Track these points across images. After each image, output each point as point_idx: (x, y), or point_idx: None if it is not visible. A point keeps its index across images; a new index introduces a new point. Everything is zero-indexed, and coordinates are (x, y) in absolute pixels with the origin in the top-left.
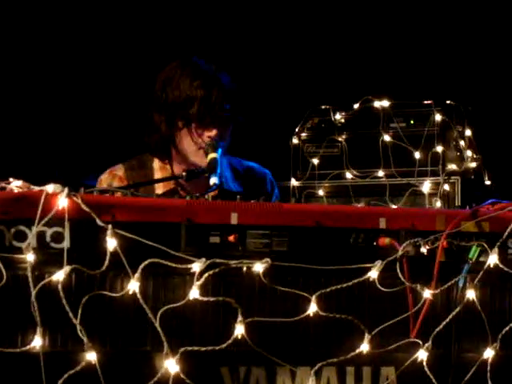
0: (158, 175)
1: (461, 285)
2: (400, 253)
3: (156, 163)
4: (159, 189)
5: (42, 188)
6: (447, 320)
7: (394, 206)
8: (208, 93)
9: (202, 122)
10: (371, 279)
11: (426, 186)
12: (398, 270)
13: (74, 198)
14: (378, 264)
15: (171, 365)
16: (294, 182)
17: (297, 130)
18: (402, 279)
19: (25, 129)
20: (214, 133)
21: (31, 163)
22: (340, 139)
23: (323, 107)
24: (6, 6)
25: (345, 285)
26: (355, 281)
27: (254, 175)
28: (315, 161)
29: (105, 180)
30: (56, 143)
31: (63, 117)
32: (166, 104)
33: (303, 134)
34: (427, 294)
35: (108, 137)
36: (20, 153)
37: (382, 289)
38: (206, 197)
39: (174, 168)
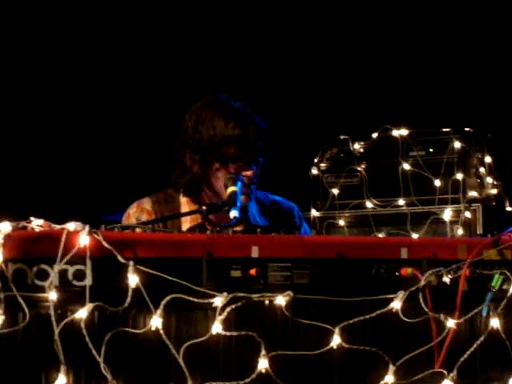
0: (184, 209)
1: (484, 314)
2: (422, 283)
3: (182, 198)
4: (186, 223)
5: (63, 226)
6: (472, 349)
7: (415, 235)
8: (244, 132)
9: (240, 162)
10: (394, 310)
11: (447, 214)
12: (421, 300)
13: (95, 236)
14: (401, 294)
15: None
16: (314, 213)
17: (316, 160)
18: (425, 309)
19: (44, 167)
20: (250, 173)
21: (51, 201)
22: (359, 169)
23: (342, 137)
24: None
25: (368, 316)
26: (378, 312)
27: (281, 209)
28: (335, 191)
29: (133, 214)
30: (75, 179)
31: (80, 154)
32: (199, 144)
33: (322, 165)
34: (451, 323)
35: (125, 172)
36: (40, 191)
37: (406, 319)
38: (228, 231)
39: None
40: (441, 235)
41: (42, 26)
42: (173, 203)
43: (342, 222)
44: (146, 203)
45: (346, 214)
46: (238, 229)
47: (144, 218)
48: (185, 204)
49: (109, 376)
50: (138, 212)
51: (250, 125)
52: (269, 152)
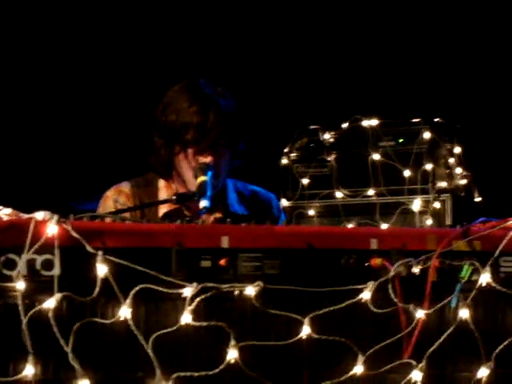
0: (162, 193)
1: (453, 304)
2: (392, 273)
3: (161, 182)
4: (163, 207)
5: (31, 215)
6: (441, 340)
7: (384, 225)
8: (204, 119)
9: (198, 147)
10: (364, 300)
11: (417, 204)
12: (391, 291)
13: (64, 225)
14: (371, 285)
15: None
16: (284, 203)
17: (286, 150)
18: (395, 300)
19: (13, 155)
20: (209, 159)
21: (19, 190)
22: (329, 159)
23: (312, 127)
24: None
25: (337, 306)
26: (348, 302)
27: (260, 199)
28: (305, 181)
29: (111, 196)
30: (44, 167)
31: (50, 139)
32: (164, 128)
33: (292, 154)
34: (420, 314)
35: (97, 158)
36: (8, 180)
37: (375, 310)
38: (198, 220)
39: (179, 187)
40: (410, 225)
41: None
42: (151, 187)
43: (311, 212)
44: (125, 186)
45: (316, 204)
46: (217, 215)
47: (122, 200)
48: (163, 188)
49: (77, 366)
50: (115, 194)
51: (211, 111)
52: (237, 142)
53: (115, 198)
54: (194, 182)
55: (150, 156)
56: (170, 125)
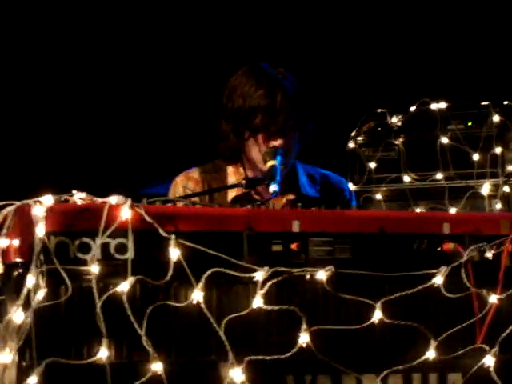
0: (231, 179)
1: None
2: (465, 258)
3: (230, 168)
4: (233, 192)
5: (105, 200)
6: None
7: (453, 209)
8: (272, 102)
9: (268, 131)
10: (436, 285)
11: (486, 188)
12: (464, 276)
13: (137, 209)
14: (443, 270)
15: (237, 374)
16: (351, 187)
17: (353, 134)
18: (468, 285)
19: (86, 140)
20: (279, 142)
21: (94, 175)
22: (397, 142)
23: (379, 111)
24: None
25: (409, 291)
26: (420, 287)
27: (332, 182)
28: (372, 165)
29: (180, 182)
30: (115, 152)
31: (122, 127)
32: (231, 113)
33: (359, 138)
34: (493, 299)
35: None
36: (83, 165)
37: (448, 295)
38: (268, 205)
39: (248, 172)
40: (479, 210)
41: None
42: (220, 172)
43: (379, 196)
44: (194, 172)
45: (383, 188)
46: (289, 197)
47: (191, 185)
48: (231, 174)
49: (150, 349)
50: (185, 180)
51: (278, 94)
52: (305, 122)
53: (184, 184)
54: (261, 164)
55: (218, 142)
56: (238, 110)
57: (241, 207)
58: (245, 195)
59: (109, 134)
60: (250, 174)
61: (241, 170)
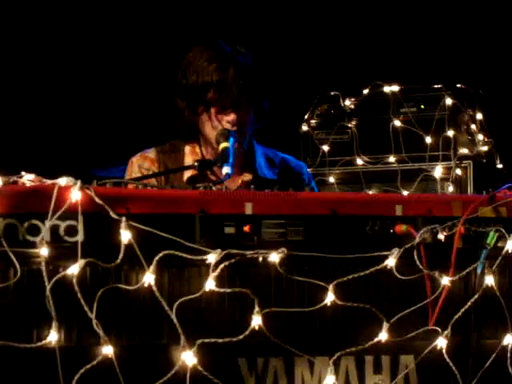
0: (188, 159)
1: (479, 271)
2: (417, 240)
3: (187, 147)
4: (188, 172)
5: (54, 181)
6: (466, 307)
7: (405, 192)
8: (224, 76)
9: (220, 105)
10: (389, 267)
11: (438, 171)
12: (416, 258)
13: (87, 191)
14: (396, 252)
15: (188, 357)
16: None
17: (306, 116)
18: (420, 266)
19: (35, 122)
20: (232, 117)
21: (42, 156)
22: (350, 125)
23: (332, 93)
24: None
25: (362, 273)
26: (372, 269)
27: (291, 166)
28: (325, 147)
29: (136, 161)
30: (66, 134)
31: (72, 107)
32: (185, 89)
33: (313, 121)
34: (445, 281)
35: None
36: (31, 146)
37: (400, 276)
38: (221, 187)
39: (204, 151)
40: (431, 192)
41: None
42: (177, 153)
43: (332, 179)
44: (150, 152)
45: (337, 171)
46: (246, 179)
47: (146, 165)
48: (188, 154)
49: (101, 332)
50: (140, 160)
51: (230, 67)
52: (259, 98)
53: (140, 164)
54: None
55: (174, 120)
56: (191, 85)
57: (193, 189)
58: (200, 175)
59: (63, 114)
60: (206, 153)
61: (197, 149)
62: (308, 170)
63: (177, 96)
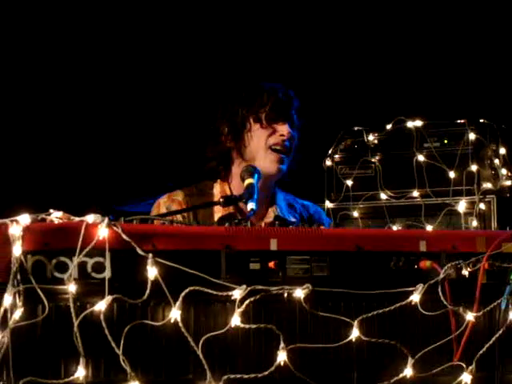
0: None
1: (503, 307)
2: (441, 275)
3: (216, 188)
4: (218, 212)
5: (82, 218)
6: (490, 342)
7: (429, 227)
8: (276, 91)
9: (273, 112)
10: (413, 303)
11: (462, 206)
12: (440, 293)
13: (115, 228)
14: (420, 287)
15: None
16: (328, 204)
17: (330, 151)
18: (445, 302)
19: (62, 159)
20: (286, 129)
21: (70, 194)
22: (373, 160)
23: (356, 128)
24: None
25: (387, 309)
26: (397, 305)
27: (311, 213)
28: (349, 182)
29: (163, 203)
30: (93, 170)
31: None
32: (233, 108)
33: (336, 156)
34: (470, 316)
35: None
36: (59, 184)
37: (425, 312)
38: (246, 223)
39: (233, 190)
40: (455, 227)
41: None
42: (205, 196)
43: (356, 214)
44: (178, 194)
45: (360, 206)
46: (267, 220)
47: (174, 208)
48: (218, 195)
49: (128, 368)
50: (168, 202)
51: (281, 90)
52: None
53: (168, 206)
54: (266, 159)
55: (209, 149)
56: (242, 101)
57: (219, 225)
58: (230, 215)
59: (87, 152)
60: (235, 191)
61: (226, 188)
62: (332, 204)
63: (219, 120)
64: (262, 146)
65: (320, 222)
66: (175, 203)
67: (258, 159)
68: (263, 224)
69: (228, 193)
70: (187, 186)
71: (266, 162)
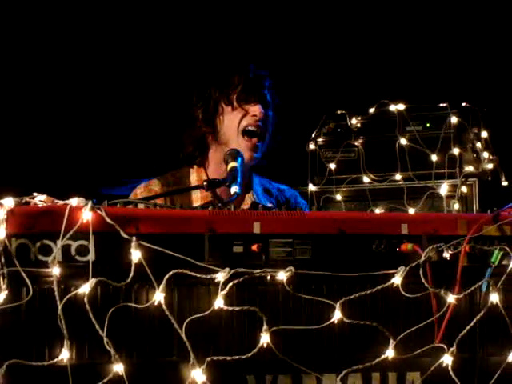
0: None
1: (484, 289)
2: (423, 258)
3: (193, 176)
4: (197, 201)
5: (65, 202)
6: (471, 324)
7: (411, 210)
8: (247, 70)
9: (244, 93)
10: (395, 285)
11: (444, 189)
12: (422, 276)
13: (98, 211)
14: (402, 270)
15: (198, 374)
16: (311, 188)
17: (313, 135)
18: (426, 284)
19: (46, 143)
20: (258, 109)
21: (53, 177)
22: (356, 144)
23: (339, 112)
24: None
25: (369, 291)
26: (379, 287)
27: (287, 196)
28: (332, 166)
29: (140, 194)
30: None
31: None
32: (205, 92)
33: (320, 140)
34: (451, 298)
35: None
36: (42, 167)
37: (406, 294)
38: (229, 206)
39: (210, 176)
40: (437, 210)
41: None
42: (181, 184)
43: (339, 197)
44: (155, 184)
45: (343, 189)
46: (244, 206)
47: None
48: (195, 183)
49: (112, 351)
50: (145, 192)
51: (255, 70)
52: (274, 111)
53: (144, 196)
54: (238, 140)
55: (185, 136)
56: (214, 84)
57: (202, 209)
58: (210, 204)
59: (69, 135)
60: (212, 177)
61: (203, 174)
62: (315, 187)
63: (193, 105)
64: (235, 130)
65: (296, 206)
66: (152, 193)
67: (232, 144)
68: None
69: (204, 177)
70: (163, 173)
71: (238, 144)
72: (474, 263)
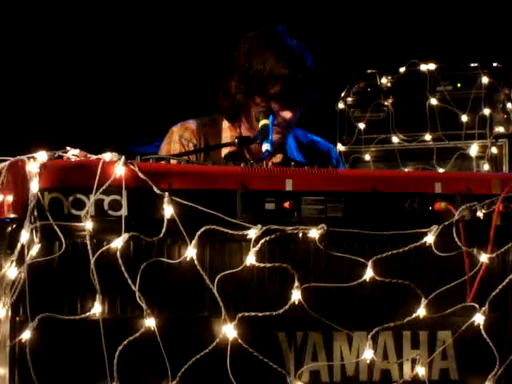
0: (226, 134)
1: None
2: (456, 217)
3: (225, 123)
4: (226, 149)
5: (99, 156)
6: (504, 283)
7: (441, 170)
8: (293, 74)
9: (282, 103)
10: (427, 244)
11: (474, 149)
12: (455, 235)
13: (131, 166)
14: (434, 229)
15: (229, 330)
16: (340, 147)
17: (343, 94)
18: (459, 243)
19: (78, 96)
20: (289, 115)
21: (88, 132)
22: (386, 103)
23: (369, 71)
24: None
25: (401, 250)
26: (411, 246)
27: (319, 149)
28: (361, 125)
29: (177, 131)
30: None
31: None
32: (247, 75)
33: (349, 99)
34: (484, 257)
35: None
36: (76, 122)
37: (439, 253)
38: (262, 163)
39: (243, 130)
40: (466, 171)
41: None
42: (216, 126)
43: (367, 157)
44: (191, 123)
45: (372, 149)
46: (276, 160)
47: (187, 136)
48: (226, 129)
49: (144, 305)
50: (181, 130)
51: (300, 68)
52: (314, 96)
53: (181, 134)
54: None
55: (220, 97)
56: (255, 74)
57: (235, 165)
58: (238, 153)
59: (103, 91)
60: (245, 133)
61: (237, 128)
62: (344, 147)
63: (232, 78)
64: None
65: (329, 160)
66: (188, 131)
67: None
68: (270, 163)
69: (237, 130)
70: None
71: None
72: (508, 223)
